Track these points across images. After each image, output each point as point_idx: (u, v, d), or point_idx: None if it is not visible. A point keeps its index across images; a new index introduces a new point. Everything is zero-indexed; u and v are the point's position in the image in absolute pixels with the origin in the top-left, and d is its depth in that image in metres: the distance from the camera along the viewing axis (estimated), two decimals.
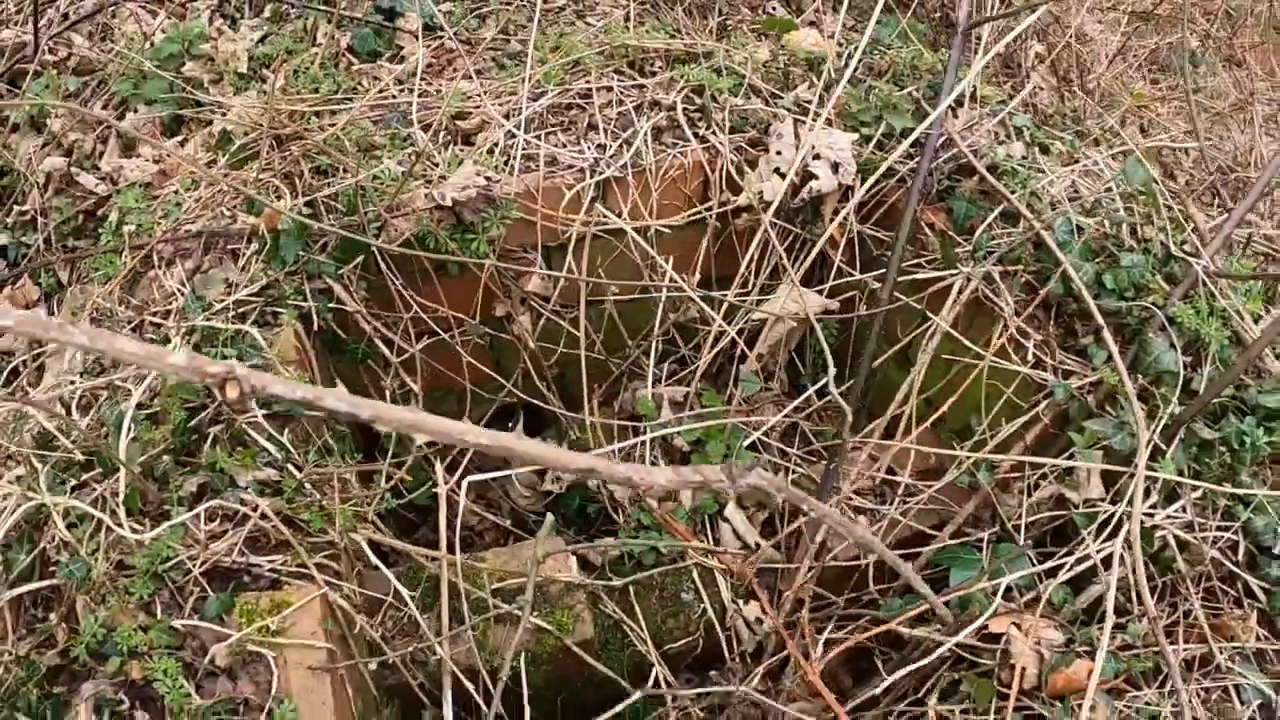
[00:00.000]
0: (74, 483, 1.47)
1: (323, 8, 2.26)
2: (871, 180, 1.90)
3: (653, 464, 2.01)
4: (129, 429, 1.44)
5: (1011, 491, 1.76)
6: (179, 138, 2.13)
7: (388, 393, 1.83)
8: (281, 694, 1.31)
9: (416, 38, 2.28)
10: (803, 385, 2.03)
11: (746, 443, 1.95)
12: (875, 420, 1.91)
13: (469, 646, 1.67)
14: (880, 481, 1.95)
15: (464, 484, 1.56)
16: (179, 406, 1.52)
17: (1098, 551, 1.55)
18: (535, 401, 2.11)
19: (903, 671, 1.45)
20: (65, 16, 2.39)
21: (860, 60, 2.19)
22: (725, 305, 1.95)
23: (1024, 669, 1.43)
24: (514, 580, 1.77)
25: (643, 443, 1.99)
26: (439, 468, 1.58)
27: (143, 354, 0.71)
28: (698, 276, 1.98)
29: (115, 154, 2.15)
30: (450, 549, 1.62)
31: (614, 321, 2.05)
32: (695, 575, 1.92)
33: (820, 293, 1.97)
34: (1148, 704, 1.43)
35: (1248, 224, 2.27)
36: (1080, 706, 1.36)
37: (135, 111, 2.18)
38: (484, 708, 1.56)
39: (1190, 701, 1.45)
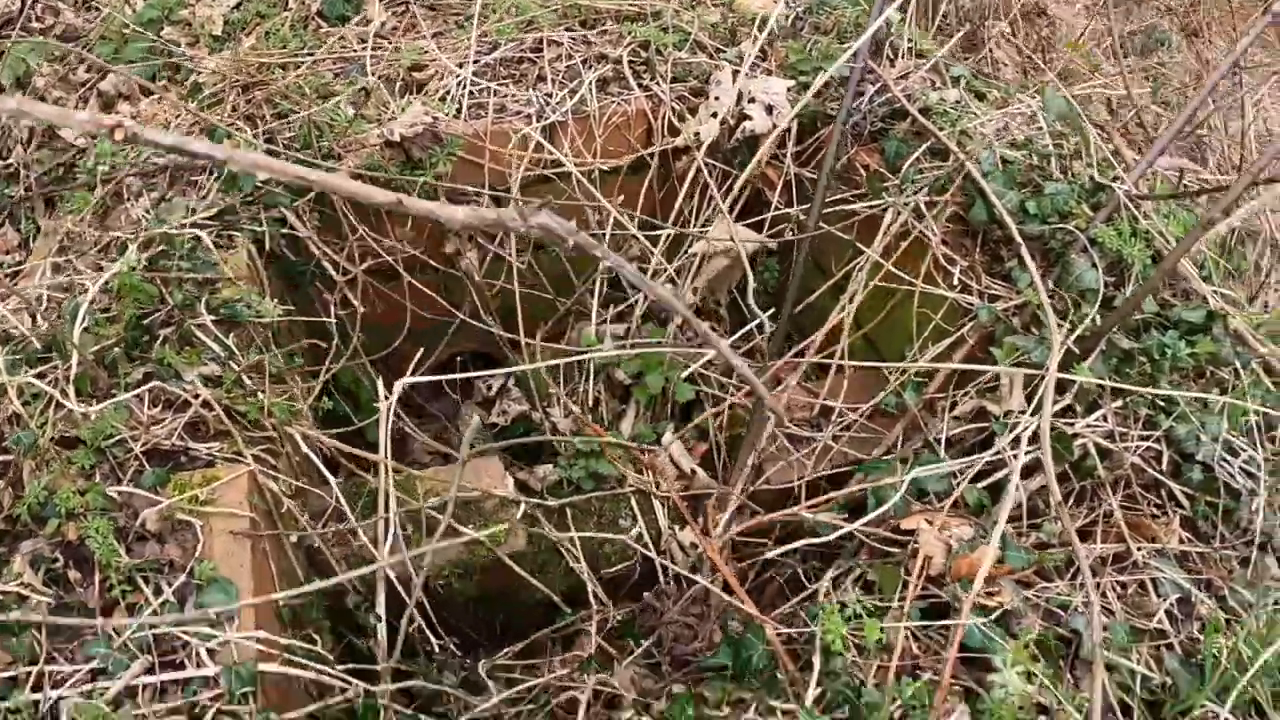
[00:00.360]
0: (32, 372, 1.63)
1: None
2: (796, 111, 2.05)
3: (595, 398, 2.15)
4: (83, 318, 1.61)
5: (937, 412, 1.87)
6: (154, 96, 2.33)
7: (333, 308, 1.99)
8: (204, 556, 1.45)
9: (381, 1, 2.49)
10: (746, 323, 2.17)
11: (685, 375, 2.08)
12: (808, 349, 2.04)
13: (402, 557, 1.80)
14: (817, 412, 2.07)
15: (396, 385, 1.70)
16: (132, 306, 1.68)
17: (1012, 455, 1.65)
18: (486, 343, 2.26)
19: (802, 543, 1.55)
20: None
21: (806, 20, 2.37)
22: (667, 242, 2.10)
23: (930, 557, 1.53)
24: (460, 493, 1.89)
25: (585, 376, 2.13)
26: (381, 389, 1.72)
27: (54, 114, 0.87)
28: (637, 220, 2.13)
29: (96, 110, 2.35)
30: (390, 467, 1.76)
31: (562, 263, 2.21)
32: (633, 502, 2.04)
33: (759, 232, 2.12)
34: (1058, 594, 1.53)
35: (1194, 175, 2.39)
36: (987, 593, 1.47)
37: (115, 73, 2.39)
38: (416, 615, 1.69)
39: (1105, 594, 1.54)
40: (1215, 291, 1.91)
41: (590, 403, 2.19)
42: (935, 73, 2.21)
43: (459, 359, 2.36)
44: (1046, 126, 2.07)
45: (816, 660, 1.32)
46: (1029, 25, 3.48)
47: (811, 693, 1.29)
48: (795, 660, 1.37)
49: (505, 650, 1.82)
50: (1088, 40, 3.60)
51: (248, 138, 1.97)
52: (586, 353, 2.12)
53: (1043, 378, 1.68)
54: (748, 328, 2.08)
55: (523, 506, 1.91)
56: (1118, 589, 1.56)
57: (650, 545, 1.99)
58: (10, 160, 2.37)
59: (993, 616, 1.41)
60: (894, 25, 2.28)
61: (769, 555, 1.83)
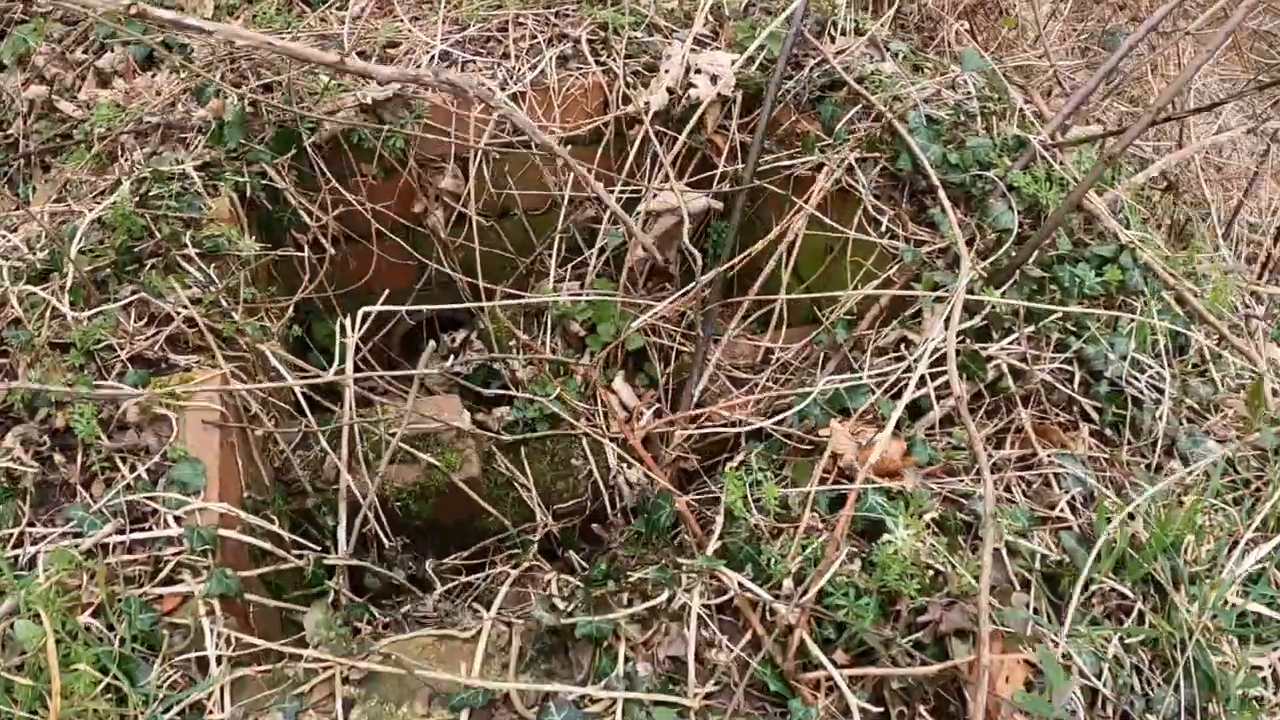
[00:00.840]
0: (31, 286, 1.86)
1: None
2: (731, 76, 2.30)
3: (552, 349, 2.37)
4: (80, 238, 1.84)
5: (865, 347, 2.09)
6: (150, 72, 2.60)
7: (306, 249, 2.22)
8: (177, 442, 1.66)
9: None
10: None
11: (635, 325, 2.30)
12: (749, 300, 2.27)
13: (363, 482, 2.00)
14: (760, 359, 2.29)
15: (360, 312, 1.92)
16: (124, 235, 1.92)
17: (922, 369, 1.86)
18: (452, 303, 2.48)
19: (709, 428, 1.76)
20: None
21: (758, 4, 2.65)
22: (620, 204, 2.34)
23: (840, 453, 1.74)
24: (411, 428, 2.11)
25: (544, 329, 2.36)
26: (350, 331, 1.94)
27: None
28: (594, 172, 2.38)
29: (93, 85, 2.62)
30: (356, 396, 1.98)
31: (523, 227, 2.45)
32: (584, 444, 2.25)
33: (706, 193, 2.36)
34: (962, 485, 1.73)
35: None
36: (889, 474, 1.67)
37: (112, 51, 2.66)
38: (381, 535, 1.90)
39: (1010, 488, 1.75)
40: (1130, 231, 2.14)
41: (550, 351, 2.41)
42: (875, 48, 2.47)
43: (425, 322, 2.59)
44: (975, 91, 2.33)
45: (720, 519, 1.52)
46: (990, 23, 3.78)
47: (712, 545, 1.49)
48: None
49: (453, 555, 2.01)
50: (1056, 39, 3.90)
51: (235, 95, 2.23)
52: (545, 301, 2.36)
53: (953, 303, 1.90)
54: (693, 284, 2.32)
55: (480, 441, 2.12)
56: (1023, 484, 1.76)
57: (601, 482, 2.21)
58: (10, 131, 2.63)
59: (893, 497, 1.61)
60: (839, 9, 2.55)
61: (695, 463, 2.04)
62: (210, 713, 1.38)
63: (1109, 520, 1.60)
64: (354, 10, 2.61)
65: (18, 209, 2.28)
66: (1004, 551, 1.59)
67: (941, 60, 2.51)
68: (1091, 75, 2.76)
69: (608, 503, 2.18)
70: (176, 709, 1.37)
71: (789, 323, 2.30)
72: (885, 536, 1.48)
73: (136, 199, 1.99)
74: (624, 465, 2.19)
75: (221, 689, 1.39)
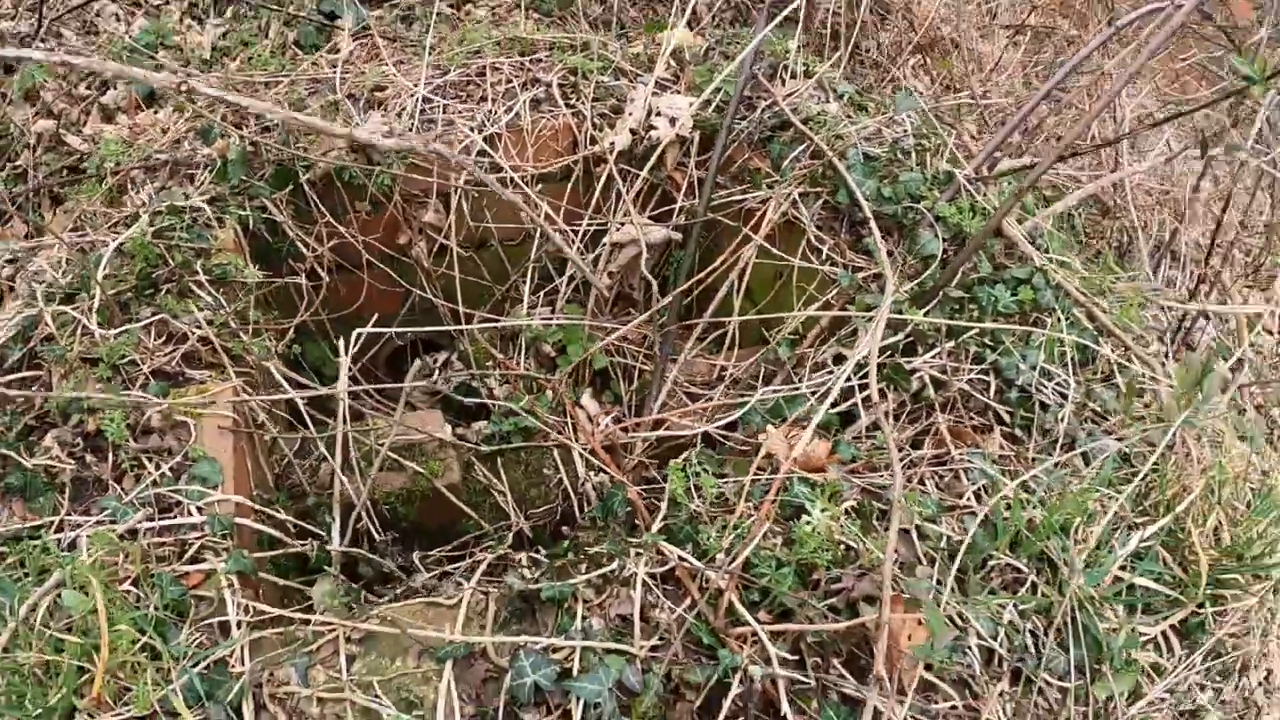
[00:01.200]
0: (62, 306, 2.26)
1: (274, 7, 3.19)
2: (686, 118, 2.74)
3: (525, 368, 2.78)
4: (105, 265, 2.25)
5: (805, 363, 2.50)
6: (153, 109, 3.01)
7: (303, 276, 2.63)
8: (196, 444, 2.05)
9: (347, 32, 3.20)
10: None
11: (600, 346, 2.72)
12: (706, 327, 2.68)
13: (356, 486, 2.39)
14: (715, 376, 2.70)
15: (355, 334, 2.32)
16: (143, 262, 2.32)
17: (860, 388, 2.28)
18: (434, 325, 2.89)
19: (664, 432, 2.17)
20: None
21: (717, 49, 3.09)
22: (587, 236, 2.76)
23: (773, 453, 2.14)
24: (398, 439, 2.50)
25: (518, 349, 2.77)
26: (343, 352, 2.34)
27: (122, 69, 1.52)
28: (563, 211, 2.80)
29: (97, 120, 3.03)
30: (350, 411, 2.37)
31: (500, 257, 2.87)
32: (555, 454, 2.65)
33: (666, 226, 2.79)
34: (881, 479, 2.13)
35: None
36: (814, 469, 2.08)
37: (115, 88, 3.07)
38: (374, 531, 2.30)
39: (923, 481, 2.15)
40: (1047, 255, 2.57)
41: (523, 371, 2.82)
42: (823, 89, 2.91)
43: (410, 344, 3.00)
44: (911, 129, 2.76)
45: (664, 505, 1.93)
46: (943, 57, 4.25)
47: (657, 525, 1.89)
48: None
49: (437, 549, 2.41)
50: (1014, 71, 4.37)
51: (234, 142, 2.64)
52: (519, 325, 2.77)
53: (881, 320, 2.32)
54: (654, 308, 2.73)
55: (460, 451, 2.52)
56: (935, 477, 2.17)
57: (570, 489, 2.61)
58: (19, 163, 3.03)
59: (815, 487, 2.02)
60: (790, 54, 2.99)
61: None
62: (233, 667, 1.76)
63: (1002, 503, 2.01)
64: (343, 54, 3.05)
65: (40, 235, 2.68)
66: (914, 534, 1.99)
67: (885, 100, 2.95)
68: (1047, 109, 3.22)
69: (576, 507, 2.57)
70: (204, 664, 1.75)
71: (741, 343, 2.71)
72: (805, 517, 1.89)
73: (152, 230, 2.40)
74: (591, 473, 2.58)
75: (242, 648, 1.78)
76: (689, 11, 3.36)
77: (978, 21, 4.43)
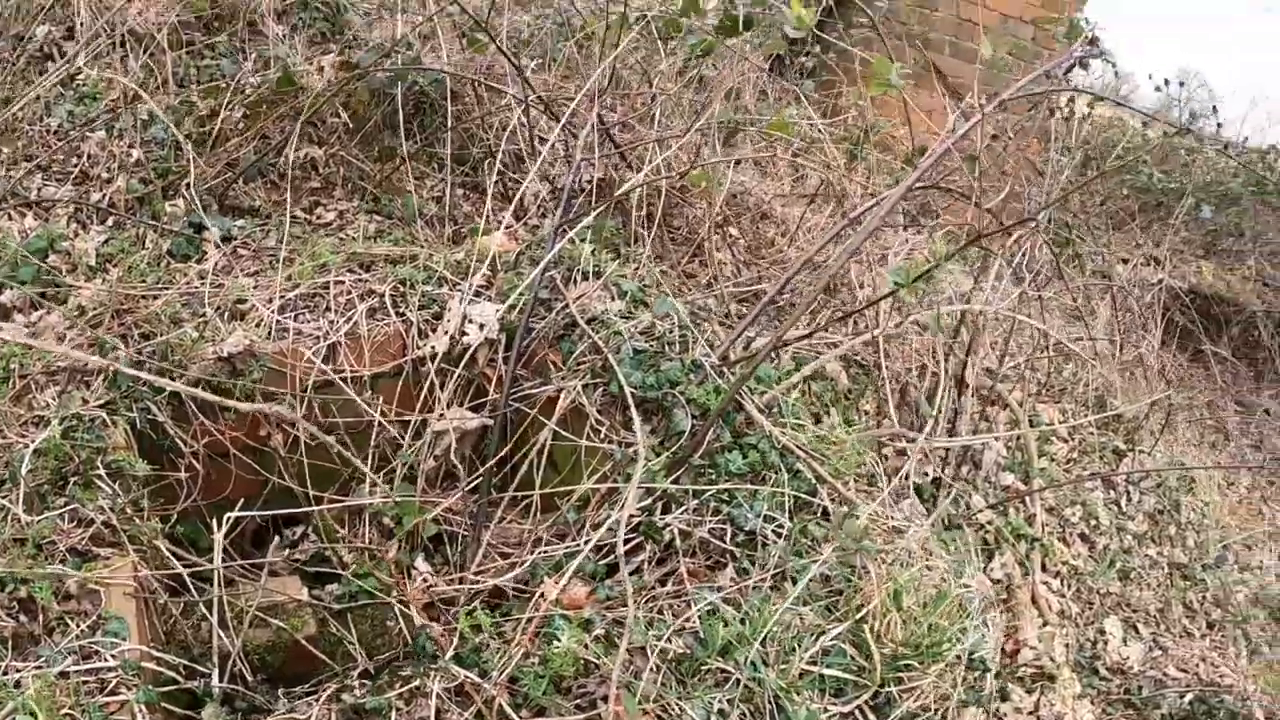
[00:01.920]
0: None
1: (150, 221, 4.43)
2: (491, 323, 4.05)
3: (369, 537, 3.98)
4: (27, 463, 3.42)
5: (586, 524, 3.76)
6: (44, 310, 4.18)
7: (182, 469, 3.81)
8: (106, 607, 3.20)
9: (217, 245, 4.45)
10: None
11: (430, 516, 3.93)
12: (512, 497, 3.94)
13: (231, 638, 3.55)
14: (523, 538, 3.94)
15: (225, 517, 3.50)
16: (54, 460, 3.48)
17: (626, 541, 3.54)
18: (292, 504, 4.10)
19: (467, 587, 3.40)
20: None
21: (526, 255, 4.41)
22: (415, 426, 4.01)
23: (544, 595, 3.37)
24: (264, 601, 3.68)
25: (362, 522, 3.98)
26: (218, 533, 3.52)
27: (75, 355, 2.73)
28: (394, 410, 4.05)
29: None
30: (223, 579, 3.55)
31: (346, 444, 4.10)
32: (396, 608, 3.84)
33: (480, 413, 4.05)
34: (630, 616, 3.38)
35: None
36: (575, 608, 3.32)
37: (12, 289, 4.23)
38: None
39: (661, 611, 3.39)
40: (784, 419, 3.89)
41: (366, 540, 4.01)
42: (608, 289, 4.24)
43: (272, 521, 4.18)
44: (677, 323, 4.09)
45: (455, 638, 3.16)
46: (754, 227, 5.67)
47: (450, 651, 3.11)
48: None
49: (298, 686, 3.58)
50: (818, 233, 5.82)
51: (121, 355, 3.84)
52: (363, 503, 3.99)
53: (638, 486, 3.60)
54: (466, 485, 3.98)
55: (316, 609, 3.71)
56: (671, 608, 3.42)
57: (409, 636, 3.80)
58: None
59: (571, 620, 3.26)
60: (584, 256, 4.31)
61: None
62: None
63: (723, 623, 3.28)
64: (210, 265, 4.29)
65: None
66: (648, 650, 3.24)
67: (658, 297, 4.29)
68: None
69: (410, 650, 3.76)
70: None
71: (544, 509, 3.96)
72: (556, 643, 3.12)
73: (60, 432, 3.57)
74: (419, 621, 3.78)
75: None
76: (515, 203, 4.71)
77: (779, 189, 5.87)
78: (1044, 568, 5.47)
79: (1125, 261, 7.63)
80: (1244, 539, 7.38)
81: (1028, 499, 5.49)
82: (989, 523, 5.24)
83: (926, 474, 5.02)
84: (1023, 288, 5.48)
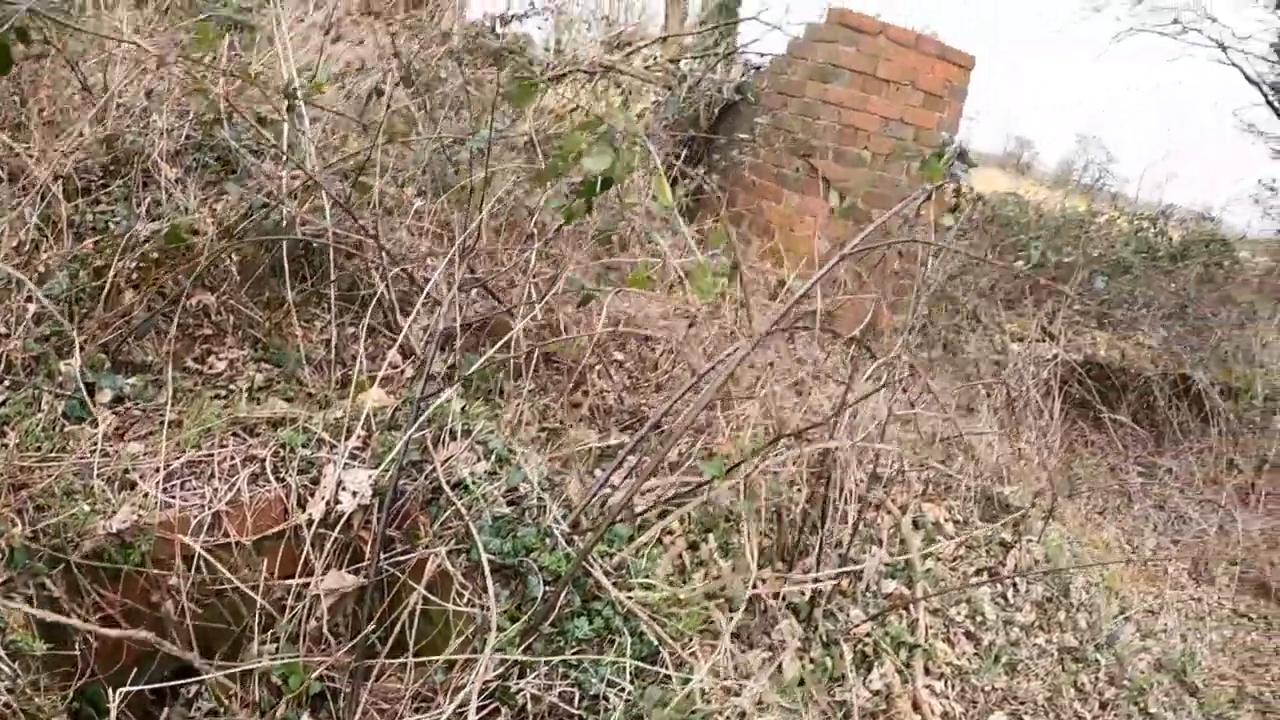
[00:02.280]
0: None
1: (44, 385, 5.06)
2: (361, 489, 4.72)
3: (257, 698, 4.65)
4: None
5: (450, 689, 4.43)
6: None
7: (77, 645, 4.46)
8: None
9: (109, 406, 5.08)
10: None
11: (314, 675, 4.60)
12: (390, 654, 4.61)
13: None
14: (400, 698, 4.61)
15: (117, 691, 4.16)
16: None
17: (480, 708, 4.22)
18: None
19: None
20: None
21: (401, 412, 5.07)
22: (296, 589, 4.67)
23: None
24: None
25: (253, 681, 4.65)
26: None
27: None
28: (277, 574, 4.71)
29: None
30: None
31: (236, 607, 4.76)
32: None
33: (356, 573, 4.71)
34: None
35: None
36: None
37: None
38: None
39: None
40: (631, 584, 4.58)
41: (256, 700, 4.68)
42: (474, 450, 4.90)
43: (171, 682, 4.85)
44: (535, 488, 4.77)
45: None
46: (639, 349, 6.37)
47: None
48: None
49: None
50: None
51: (18, 532, 4.48)
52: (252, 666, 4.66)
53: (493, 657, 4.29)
54: (352, 642, 4.66)
55: None
56: None
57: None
58: None
59: None
60: (456, 414, 4.98)
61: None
62: None
63: None
64: (101, 430, 4.92)
65: None
66: None
67: (520, 458, 4.97)
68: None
69: None
70: None
71: (418, 665, 4.64)
72: None
73: None
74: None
75: None
76: (399, 341, 5.37)
77: (662, 311, 6.58)
78: (927, 671, 6.09)
79: (1020, 340, 8.37)
80: (1147, 607, 8.12)
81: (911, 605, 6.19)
82: (867, 635, 5.94)
83: (803, 593, 5.73)
84: (894, 397, 6.19)
